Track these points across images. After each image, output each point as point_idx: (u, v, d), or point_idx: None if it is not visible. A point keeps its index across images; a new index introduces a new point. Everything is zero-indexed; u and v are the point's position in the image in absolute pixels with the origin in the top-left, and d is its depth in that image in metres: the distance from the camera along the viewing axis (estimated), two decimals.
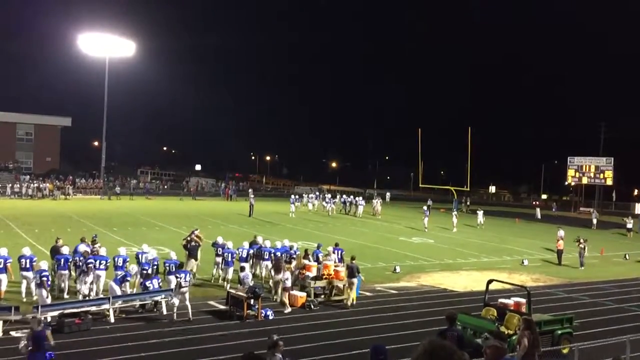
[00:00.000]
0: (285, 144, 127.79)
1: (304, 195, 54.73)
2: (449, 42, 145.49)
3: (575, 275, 24.37)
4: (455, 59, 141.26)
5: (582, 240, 25.84)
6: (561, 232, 30.61)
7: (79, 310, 14.44)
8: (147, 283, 15.55)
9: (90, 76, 76.04)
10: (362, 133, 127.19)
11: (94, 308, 14.85)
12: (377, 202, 49.48)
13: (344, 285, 17.90)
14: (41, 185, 54.39)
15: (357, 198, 50.17)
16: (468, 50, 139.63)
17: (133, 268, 16.96)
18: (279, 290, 17.14)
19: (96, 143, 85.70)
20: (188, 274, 16.03)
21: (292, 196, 49.11)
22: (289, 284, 16.72)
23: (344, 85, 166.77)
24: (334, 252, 19.91)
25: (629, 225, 42.15)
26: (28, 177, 59.31)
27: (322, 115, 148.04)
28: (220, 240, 20.10)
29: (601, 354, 11.74)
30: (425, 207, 42.43)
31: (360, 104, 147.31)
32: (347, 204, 50.12)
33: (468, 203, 58.51)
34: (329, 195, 55.93)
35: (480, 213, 44.30)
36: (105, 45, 59.06)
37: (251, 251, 19.80)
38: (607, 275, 24.86)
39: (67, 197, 53.57)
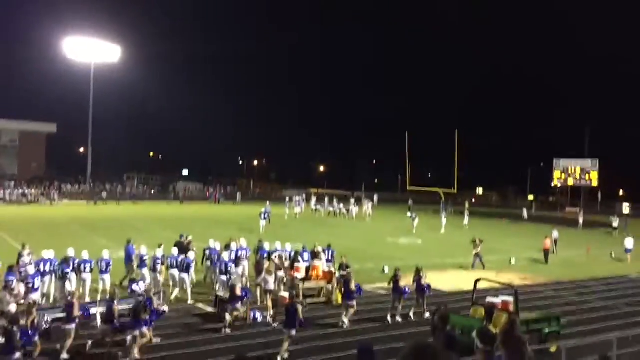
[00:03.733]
0: (273, 148, 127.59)
1: (293, 198, 54.60)
2: (436, 45, 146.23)
3: (562, 274, 24.55)
4: (443, 61, 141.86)
5: (478, 242, 25.15)
6: (555, 233, 30.96)
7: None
8: (134, 286, 15.45)
9: (76, 81, 75.37)
10: (350, 136, 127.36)
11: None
12: (368, 205, 49.71)
13: (332, 286, 17.90)
14: (26, 192, 53.89)
15: (351, 200, 50.51)
16: (455, 54, 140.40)
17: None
18: (257, 293, 17.12)
19: (82, 149, 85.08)
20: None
21: (287, 199, 49.52)
22: (270, 286, 16.60)
23: (331, 88, 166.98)
24: (324, 252, 19.92)
25: (615, 225, 42.60)
26: (13, 183, 58.74)
27: (310, 118, 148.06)
28: (212, 244, 20.02)
29: (588, 352, 11.82)
30: (412, 213, 42.04)
31: (348, 107, 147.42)
32: (335, 208, 50.32)
33: (468, 205, 58.38)
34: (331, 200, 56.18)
35: (466, 213, 45.34)
36: (90, 50, 58.75)
37: (240, 253, 19.62)
38: (593, 274, 25.07)
39: (53, 203, 53.10)
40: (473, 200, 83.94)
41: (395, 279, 16.21)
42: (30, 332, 11.48)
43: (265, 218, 35.33)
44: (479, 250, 24.54)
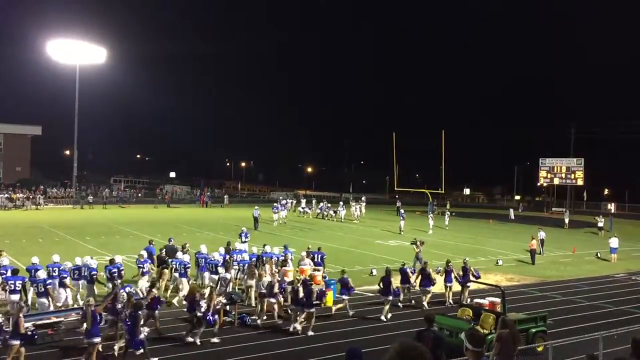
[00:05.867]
0: (260, 149, 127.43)
1: (279, 201, 54.34)
2: (423, 45, 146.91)
3: (548, 274, 24.75)
4: (429, 61, 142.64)
5: (419, 243, 24.88)
6: (542, 234, 31.17)
7: (51, 321, 14.18)
8: (120, 292, 15.33)
9: (61, 84, 74.97)
10: (337, 137, 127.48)
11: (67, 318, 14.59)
12: (356, 207, 49.55)
13: (320, 289, 17.87)
14: (13, 196, 53.30)
15: (339, 204, 50.37)
16: (441, 53, 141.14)
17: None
18: (252, 295, 17.11)
19: (67, 152, 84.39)
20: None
21: (275, 204, 46.56)
22: (264, 290, 16.53)
23: (319, 89, 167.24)
24: (311, 256, 19.95)
25: (600, 224, 42.99)
26: None
27: (297, 120, 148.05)
28: (203, 248, 19.98)
29: (575, 351, 11.94)
30: (402, 211, 43.37)
31: (335, 108, 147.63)
32: (325, 209, 50.28)
33: (448, 206, 58.92)
34: (314, 201, 56.00)
35: (447, 214, 45.97)
36: (75, 52, 58.23)
37: (227, 257, 19.59)
38: (579, 273, 25.30)
39: (38, 207, 52.59)
40: (459, 199, 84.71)
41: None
42: (210, 314, 13.91)
43: (245, 241, 26.34)
44: (419, 251, 24.44)
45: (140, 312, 12.60)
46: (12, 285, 14.96)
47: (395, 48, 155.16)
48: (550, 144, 76.08)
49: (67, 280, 16.25)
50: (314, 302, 15.16)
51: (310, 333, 14.74)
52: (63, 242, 30.02)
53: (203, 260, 18.99)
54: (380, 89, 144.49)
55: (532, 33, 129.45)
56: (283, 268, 18.43)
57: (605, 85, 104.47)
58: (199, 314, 13.97)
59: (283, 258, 19.48)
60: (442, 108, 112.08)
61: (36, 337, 12.90)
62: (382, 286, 16.79)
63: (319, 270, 18.97)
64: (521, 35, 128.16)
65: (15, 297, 14.75)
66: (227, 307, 15.50)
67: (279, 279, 16.77)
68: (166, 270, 18.42)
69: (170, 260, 18.88)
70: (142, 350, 12.36)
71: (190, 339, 13.77)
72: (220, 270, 17.91)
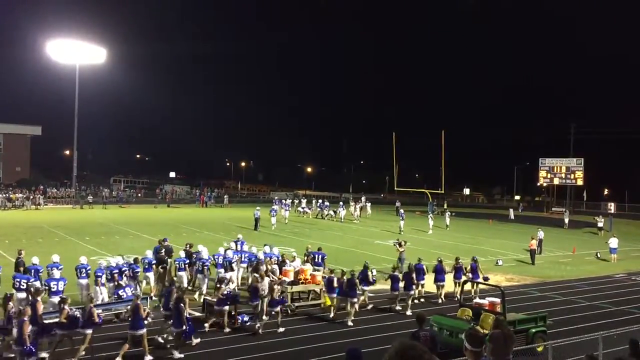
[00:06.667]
0: (260, 149, 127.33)
1: (281, 201, 54.27)
2: (423, 45, 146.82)
3: (548, 275, 24.75)
4: (429, 61, 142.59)
5: (402, 243, 24.83)
6: (541, 234, 31.18)
7: (51, 321, 14.15)
8: (120, 292, 15.35)
9: (60, 84, 74.94)
10: (337, 137, 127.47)
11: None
12: (356, 207, 49.41)
13: (320, 290, 17.90)
14: (12, 196, 53.33)
15: (340, 203, 50.33)
16: (441, 53, 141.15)
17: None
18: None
19: (67, 152, 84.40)
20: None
21: (273, 206, 45.05)
22: (266, 291, 16.52)
23: (319, 90, 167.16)
24: (311, 257, 19.99)
25: (600, 224, 43.00)
26: None
27: (297, 120, 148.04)
28: (200, 248, 20.00)
29: (574, 351, 11.93)
30: (402, 211, 43.44)
31: (334, 108, 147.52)
32: (324, 209, 50.30)
33: (445, 206, 58.90)
34: (311, 201, 55.93)
35: (447, 215, 45.79)
36: (75, 52, 58.25)
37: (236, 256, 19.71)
38: (579, 274, 25.29)
39: (38, 207, 52.60)
40: (459, 199, 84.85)
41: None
42: (276, 302, 14.97)
43: (241, 246, 21.99)
44: (402, 251, 24.35)
45: (182, 305, 13.16)
46: (18, 284, 15.18)
47: (396, 48, 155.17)
48: (550, 144, 76.07)
49: (103, 279, 16.32)
50: (355, 292, 16.35)
51: (350, 323, 15.82)
52: (63, 242, 30.01)
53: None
54: (381, 89, 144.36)
55: (532, 33, 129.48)
56: (283, 268, 18.42)
57: (605, 85, 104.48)
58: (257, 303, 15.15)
59: (281, 258, 19.48)
60: (442, 108, 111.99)
61: (99, 322, 13.19)
62: (405, 282, 17.58)
63: (319, 271, 18.96)
64: (521, 35, 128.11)
65: (22, 295, 14.89)
66: (227, 307, 15.49)
67: (276, 278, 16.86)
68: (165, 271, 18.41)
69: (186, 260, 19.10)
70: (197, 340, 13.40)
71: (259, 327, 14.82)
72: (220, 270, 17.91)
